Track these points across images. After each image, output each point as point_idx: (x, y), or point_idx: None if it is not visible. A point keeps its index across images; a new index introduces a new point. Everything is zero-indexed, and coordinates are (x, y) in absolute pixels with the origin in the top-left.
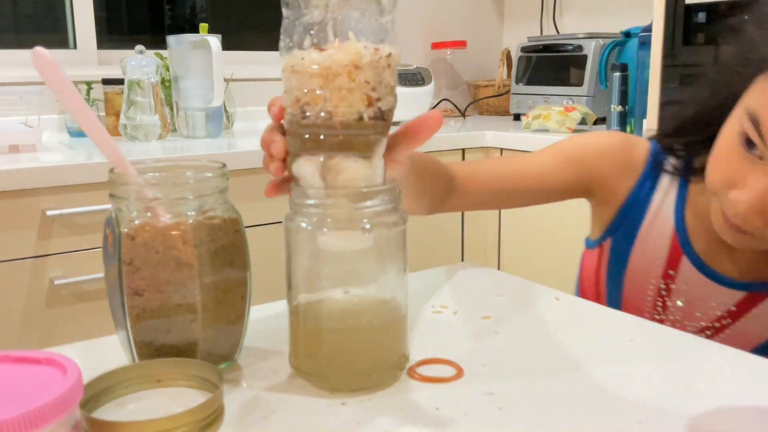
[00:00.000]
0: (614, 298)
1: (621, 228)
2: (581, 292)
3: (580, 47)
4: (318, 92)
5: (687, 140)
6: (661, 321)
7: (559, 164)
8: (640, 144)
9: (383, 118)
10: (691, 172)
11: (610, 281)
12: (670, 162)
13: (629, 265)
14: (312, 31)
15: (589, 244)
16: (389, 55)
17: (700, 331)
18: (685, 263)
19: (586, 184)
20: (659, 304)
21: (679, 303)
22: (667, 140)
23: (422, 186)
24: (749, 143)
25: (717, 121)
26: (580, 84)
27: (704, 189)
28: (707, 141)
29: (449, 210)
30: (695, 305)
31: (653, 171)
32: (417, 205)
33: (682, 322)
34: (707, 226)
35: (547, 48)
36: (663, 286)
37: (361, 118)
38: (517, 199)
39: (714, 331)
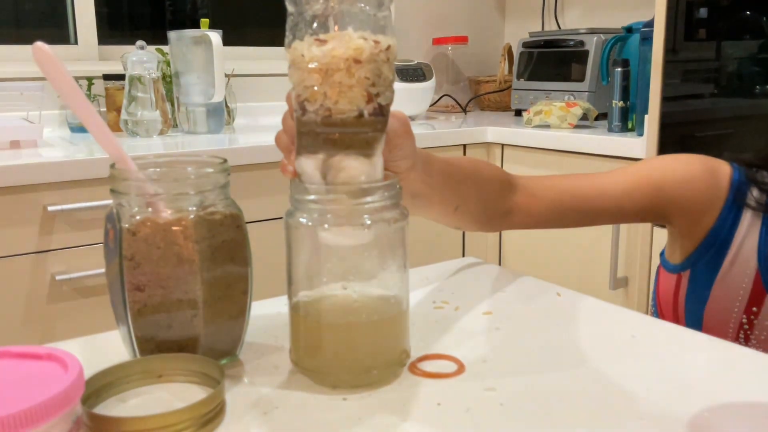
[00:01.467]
0: (694, 321)
1: (701, 261)
2: (659, 312)
3: (581, 42)
4: (316, 88)
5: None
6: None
7: (637, 188)
8: (722, 171)
9: (382, 113)
10: None
11: (689, 310)
12: (753, 195)
13: (710, 299)
14: (313, 26)
15: (668, 267)
16: (388, 47)
17: None
18: None
19: (663, 212)
20: (741, 337)
21: (763, 336)
22: (751, 171)
23: (454, 192)
24: None
25: None
26: (581, 79)
27: None
28: None
29: (507, 227)
30: None
31: (735, 202)
32: (457, 216)
33: (765, 350)
34: None
35: (548, 43)
36: (745, 320)
37: (361, 115)
38: (588, 219)
39: None
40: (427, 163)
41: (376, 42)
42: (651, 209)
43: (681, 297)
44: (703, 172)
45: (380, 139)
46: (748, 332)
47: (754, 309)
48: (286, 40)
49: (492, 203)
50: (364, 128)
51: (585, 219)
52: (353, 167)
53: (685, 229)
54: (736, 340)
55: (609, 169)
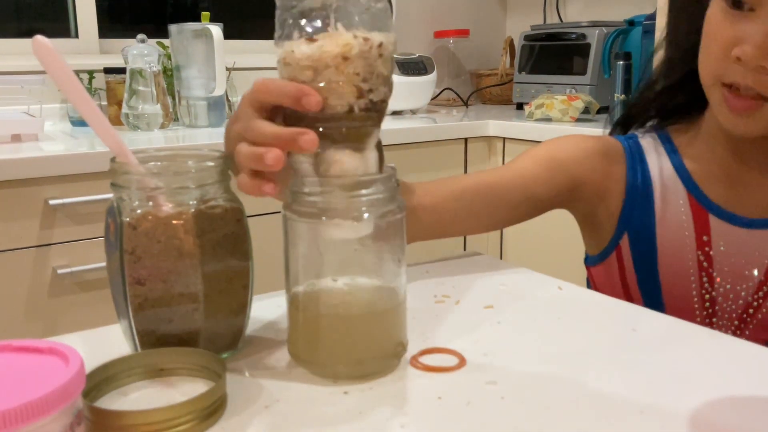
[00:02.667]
0: (652, 297)
1: (633, 219)
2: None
3: (583, 36)
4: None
5: (644, 101)
6: (713, 300)
7: (543, 170)
8: (611, 140)
9: (375, 109)
10: (666, 120)
11: (642, 280)
12: (643, 133)
13: (660, 251)
14: (303, 21)
15: (593, 261)
16: (380, 44)
17: (756, 292)
18: (714, 221)
19: (570, 192)
20: (705, 279)
21: (725, 268)
22: (625, 121)
23: None
24: (736, 3)
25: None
26: (583, 73)
27: (688, 128)
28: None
29: (418, 229)
30: (740, 264)
31: (635, 153)
32: None
33: (735, 288)
34: (715, 170)
35: (550, 36)
36: (702, 257)
37: (351, 110)
38: (499, 211)
39: (765, 294)
40: None
41: (366, 39)
42: (560, 190)
43: (629, 274)
44: (596, 143)
45: (372, 134)
46: (710, 270)
47: (705, 238)
48: (276, 35)
49: None
50: (354, 123)
51: (495, 211)
52: (344, 161)
53: (599, 197)
54: (701, 286)
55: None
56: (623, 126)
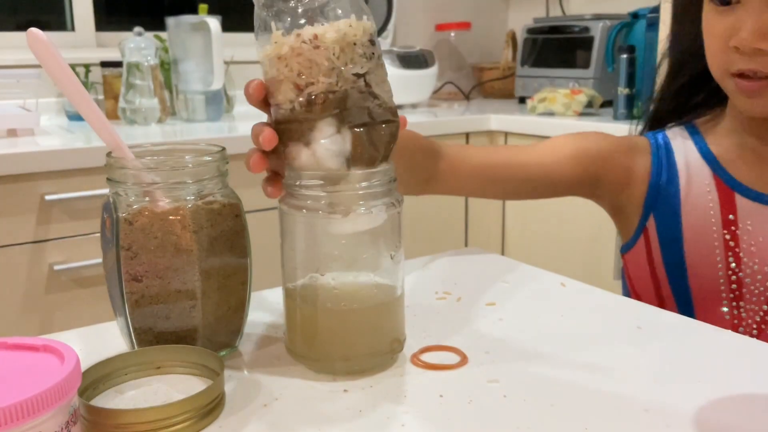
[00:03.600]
0: (679, 281)
1: (659, 203)
2: (632, 293)
3: (586, 29)
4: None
5: (662, 104)
6: (740, 281)
7: (565, 157)
8: (637, 137)
9: (316, 102)
10: (692, 115)
11: (668, 261)
12: (670, 126)
13: (685, 233)
14: (258, 24)
15: (625, 248)
16: (314, 36)
17: None
18: (740, 200)
19: (592, 182)
20: (731, 259)
21: (752, 248)
22: (652, 125)
23: (406, 163)
24: (723, 1)
25: (688, 54)
26: (586, 66)
27: (713, 118)
28: (687, 86)
29: (433, 192)
30: (766, 242)
31: (661, 143)
32: (404, 184)
33: (762, 268)
34: (740, 152)
35: (553, 29)
36: (728, 236)
37: (293, 108)
38: (513, 188)
39: None
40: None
41: (297, 35)
42: (580, 181)
43: (656, 255)
44: (621, 140)
45: (316, 128)
46: (737, 250)
47: (731, 217)
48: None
49: (414, 171)
50: (298, 117)
51: (515, 188)
52: (298, 158)
53: (620, 195)
54: (727, 267)
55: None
56: (651, 129)
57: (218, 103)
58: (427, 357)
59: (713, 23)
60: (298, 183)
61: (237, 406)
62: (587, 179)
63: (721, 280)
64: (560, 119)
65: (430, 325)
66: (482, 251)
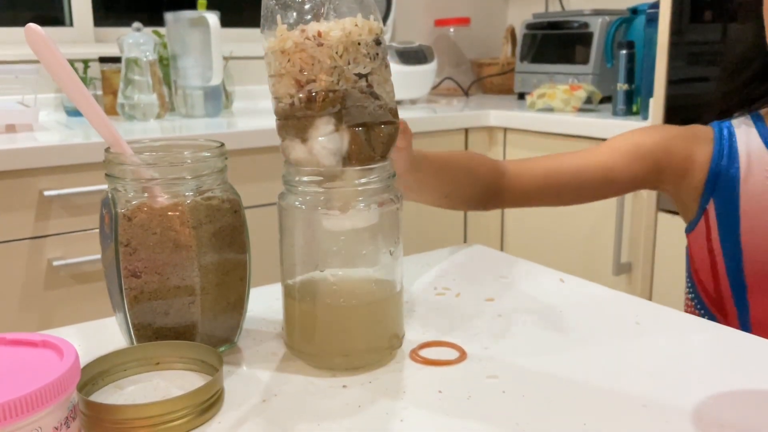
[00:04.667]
0: (734, 263)
1: (719, 184)
2: (693, 271)
3: (586, 24)
4: (270, 80)
5: (735, 96)
6: None
7: (622, 156)
8: (701, 126)
9: (315, 99)
10: (758, 104)
11: (725, 244)
12: (736, 116)
13: (742, 217)
14: (265, 13)
15: (690, 228)
16: (318, 33)
17: None
18: None
19: (652, 174)
20: None
21: None
22: (721, 115)
23: (443, 182)
24: None
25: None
26: (585, 62)
27: None
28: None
29: (500, 206)
30: None
31: (725, 130)
32: (447, 201)
33: None
34: None
35: (552, 25)
36: None
37: (293, 103)
38: (576, 193)
39: None
40: (421, 160)
41: (302, 30)
42: (637, 176)
43: (714, 235)
44: (681, 130)
45: (313, 125)
46: None
47: None
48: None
49: (483, 188)
50: (297, 113)
51: (577, 194)
52: (294, 153)
53: (681, 183)
54: None
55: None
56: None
57: (217, 98)
58: (426, 353)
59: None
60: (297, 179)
61: (236, 402)
62: (647, 172)
63: None
64: (559, 115)
65: (429, 320)
66: (481, 247)
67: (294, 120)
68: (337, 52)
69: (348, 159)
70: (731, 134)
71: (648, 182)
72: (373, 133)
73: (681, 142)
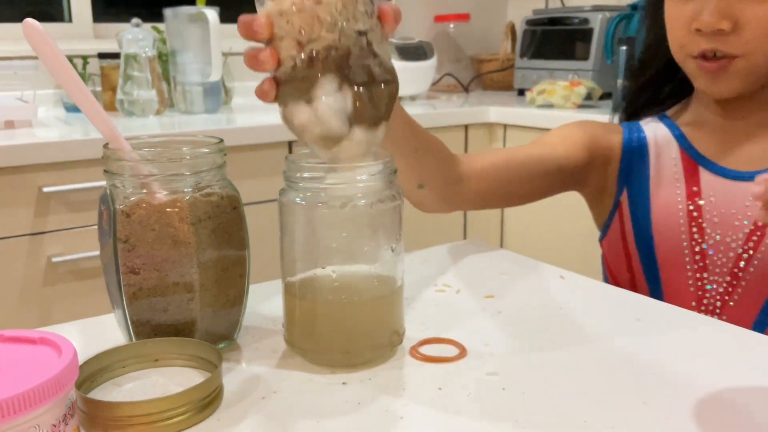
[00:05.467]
0: (647, 252)
1: (631, 176)
2: (610, 276)
3: (586, 20)
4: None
5: (640, 96)
6: (703, 252)
7: (573, 145)
8: (611, 124)
9: (318, 58)
10: (663, 107)
11: (638, 234)
12: (643, 118)
13: (653, 204)
14: None
15: (604, 231)
16: None
17: (746, 242)
18: (704, 173)
19: (587, 164)
20: (695, 230)
21: (715, 219)
22: (629, 117)
23: (414, 138)
24: None
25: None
26: (585, 58)
27: (683, 106)
28: (657, 77)
29: (460, 197)
30: (729, 215)
31: (633, 124)
32: (424, 195)
33: (725, 240)
34: (704, 129)
35: (552, 21)
36: (692, 207)
37: (294, 65)
38: (532, 187)
39: (757, 239)
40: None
41: None
42: (579, 165)
43: (628, 230)
44: (598, 122)
45: (316, 84)
46: (700, 221)
47: (695, 189)
48: None
49: (447, 165)
50: (298, 75)
51: (531, 181)
52: (298, 115)
53: (604, 171)
54: (691, 237)
55: None
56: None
57: (216, 94)
58: (426, 349)
59: (676, 11)
60: (298, 175)
61: (235, 399)
62: (585, 162)
63: (686, 251)
64: (559, 111)
65: (429, 317)
66: (481, 244)
67: (297, 82)
68: (335, 9)
69: (353, 119)
70: (639, 129)
71: (582, 173)
72: (376, 93)
73: (602, 132)
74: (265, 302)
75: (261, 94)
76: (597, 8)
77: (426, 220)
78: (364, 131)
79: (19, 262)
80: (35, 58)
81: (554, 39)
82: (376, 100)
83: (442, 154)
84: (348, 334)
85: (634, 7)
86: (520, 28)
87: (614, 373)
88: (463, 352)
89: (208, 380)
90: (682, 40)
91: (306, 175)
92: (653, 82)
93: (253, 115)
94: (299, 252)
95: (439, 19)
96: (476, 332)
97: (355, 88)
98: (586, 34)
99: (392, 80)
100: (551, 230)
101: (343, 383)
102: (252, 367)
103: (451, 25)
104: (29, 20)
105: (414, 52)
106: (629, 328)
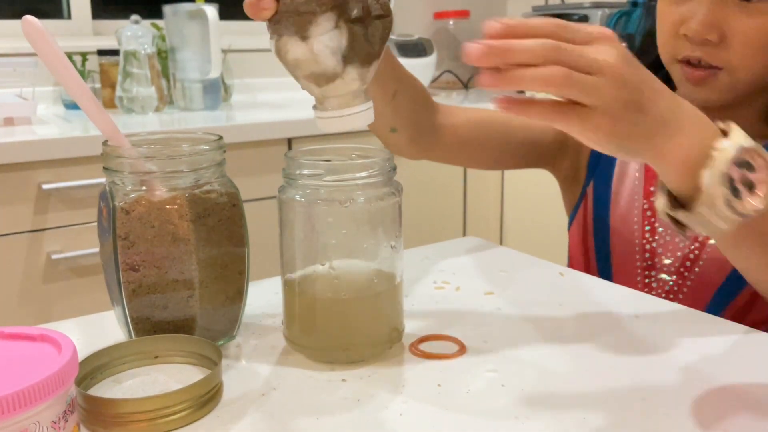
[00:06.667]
0: (603, 245)
1: (599, 167)
2: (570, 259)
3: (585, 17)
4: None
5: None
6: (653, 251)
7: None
8: None
9: None
10: None
11: (597, 228)
12: None
13: (613, 199)
14: None
15: (571, 218)
16: None
17: (692, 243)
18: None
19: (562, 143)
20: (647, 228)
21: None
22: None
23: (398, 109)
24: None
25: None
26: None
27: None
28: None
29: (433, 149)
30: None
31: None
32: (395, 138)
33: (673, 240)
34: None
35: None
36: (647, 206)
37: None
38: (501, 148)
39: (701, 242)
40: None
41: None
42: (554, 148)
43: (589, 220)
44: None
45: (314, 22)
46: (652, 219)
47: (652, 188)
48: None
49: (422, 112)
50: (299, 8)
51: (503, 144)
52: (291, 51)
53: (577, 157)
54: (642, 235)
55: None
56: None
57: (216, 91)
58: (425, 346)
59: (667, 11)
60: (297, 172)
61: (235, 396)
62: (563, 146)
63: (637, 249)
64: None
65: (429, 314)
66: (481, 241)
67: (294, 17)
68: None
69: (347, 56)
70: None
71: (555, 153)
72: (371, 28)
73: None
74: (264, 299)
75: (254, 9)
76: (596, 4)
77: (425, 217)
78: (358, 69)
79: (19, 260)
80: (34, 55)
81: None
82: (370, 37)
83: (422, 100)
84: (347, 331)
85: (633, 3)
86: None
87: (613, 369)
88: (462, 349)
89: (208, 377)
90: (669, 42)
91: (305, 172)
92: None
93: (253, 112)
94: (299, 249)
95: (439, 15)
96: (476, 329)
97: (352, 25)
98: None
99: (386, 14)
100: (551, 227)
101: (343, 380)
102: (252, 364)
103: (451, 22)
104: (28, 17)
105: (413, 48)
106: (628, 325)
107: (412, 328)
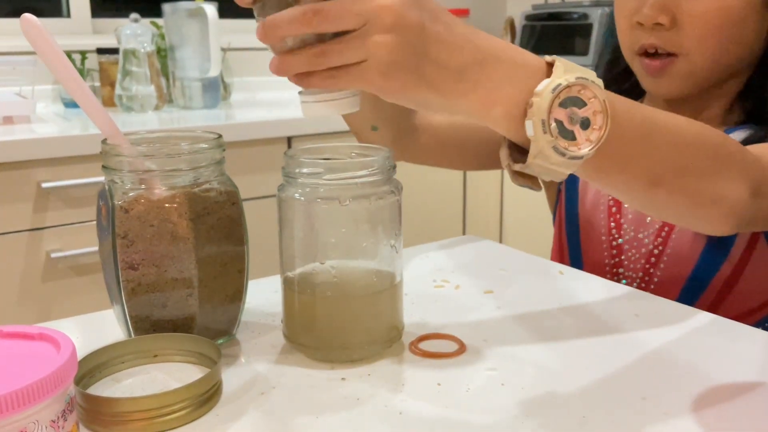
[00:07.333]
0: (574, 244)
1: None
2: (551, 254)
3: (585, 15)
4: None
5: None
6: (620, 248)
7: None
8: None
9: None
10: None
11: (569, 224)
12: None
13: (580, 196)
14: None
15: (553, 215)
16: None
17: (656, 238)
18: None
19: None
20: (613, 225)
21: (629, 215)
22: None
23: (380, 108)
24: None
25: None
26: (585, 53)
27: None
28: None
29: (411, 151)
30: (642, 213)
31: None
32: (376, 137)
33: (637, 236)
34: None
35: (551, 16)
36: (611, 203)
37: None
38: (477, 154)
39: (665, 235)
40: None
41: None
42: None
43: (562, 217)
44: None
45: (297, 3)
46: (618, 216)
47: None
48: None
49: (404, 111)
50: None
51: (482, 145)
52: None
53: None
54: (609, 231)
55: None
56: None
57: (215, 90)
58: (425, 345)
59: (622, 4)
60: (297, 171)
61: (234, 395)
62: None
63: (604, 245)
64: None
65: (429, 313)
66: (480, 239)
67: None
68: None
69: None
70: None
71: None
72: None
73: None
74: (264, 298)
75: (276, 69)
76: (596, 3)
77: (424, 216)
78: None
79: (18, 258)
80: (34, 53)
81: (554, 34)
82: None
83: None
84: (347, 330)
85: None
86: (519, 24)
87: (613, 368)
88: (462, 347)
89: (207, 376)
90: (626, 33)
91: (305, 170)
92: (616, 81)
93: (252, 110)
94: (298, 248)
95: None
96: (475, 328)
97: None
98: (585, 30)
99: None
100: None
101: (342, 379)
102: (251, 363)
103: None
104: (27, 15)
105: None
106: (628, 324)
107: (411, 326)
